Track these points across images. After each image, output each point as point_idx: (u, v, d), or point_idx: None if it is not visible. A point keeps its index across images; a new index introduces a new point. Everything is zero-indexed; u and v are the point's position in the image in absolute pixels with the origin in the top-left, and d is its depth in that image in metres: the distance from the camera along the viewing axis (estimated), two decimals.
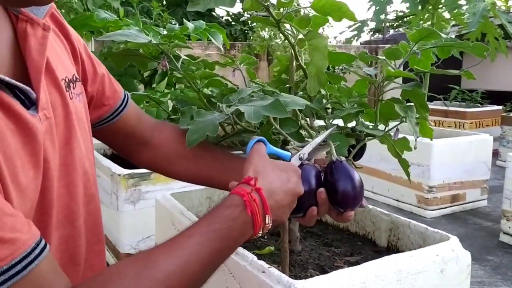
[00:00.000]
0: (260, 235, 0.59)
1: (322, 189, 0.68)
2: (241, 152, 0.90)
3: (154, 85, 1.87)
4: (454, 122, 4.96)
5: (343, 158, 0.71)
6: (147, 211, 1.65)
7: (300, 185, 0.65)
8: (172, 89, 1.80)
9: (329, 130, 0.76)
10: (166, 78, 1.74)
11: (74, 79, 0.63)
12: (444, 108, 5.10)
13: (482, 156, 3.15)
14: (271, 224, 0.59)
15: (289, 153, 0.71)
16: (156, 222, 1.24)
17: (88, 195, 0.64)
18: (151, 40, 0.88)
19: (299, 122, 0.84)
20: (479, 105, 5.32)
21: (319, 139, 0.74)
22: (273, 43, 4.88)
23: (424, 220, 2.91)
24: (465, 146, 3.07)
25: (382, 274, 0.80)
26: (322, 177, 0.71)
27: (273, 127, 0.81)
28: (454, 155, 3.02)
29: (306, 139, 0.84)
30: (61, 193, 0.58)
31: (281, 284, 0.75)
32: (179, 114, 0.92)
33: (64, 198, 0.58)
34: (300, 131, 0.85)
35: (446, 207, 3.04)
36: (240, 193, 0.58)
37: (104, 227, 2.01)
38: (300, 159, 0.71)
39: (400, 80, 0.90)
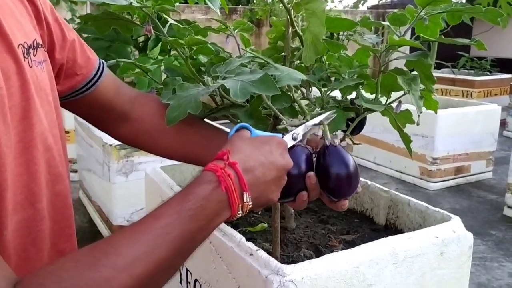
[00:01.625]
0: (240, 215, 0.54)
1: (311, 173, 0.62)
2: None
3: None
4: (462, 91, 4.85)
5: (337, 142, 0.65)
6: (140, 183, 1.60)
7: (287, 158, 0.59)
8: (167, 56, 1.72)
9: (326, 114, 0.69)
10: (160, 44, 1.67)
11: (35, 45, 0.57)
12: (452, 76, 4.98)
13: (489, 127, 3.07)
14: (251, 203, 0.53)
15: (279, 134, 0.65)
16: (146, 196, 1.20)
17: (53, 174, 0.58)
18: (131, 2, 0.80)
19: (292, 96, 0.77)
20: (488, 73, 5.18)
21: (315, 120, 0.67)
22: (276, 7, 4.72)
23: (426, 192, 2.87)
24: (472, 117, 2.99)
25: (377, 257, 0.76)
26: (315, 160, 0.65)
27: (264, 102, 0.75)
28: (460, 125, 2.94)
29: (300, 115, 0.78)
30: (19, 173, 0.52)
31: (268, 269, 0.71)
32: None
33: (23, 178, 0.53)
34: (294, 105, 0.79)
35: (449, 179, 2.99)
36: (213, 168, 0.52)
37: (97, 198, 1.98)
38: (294, 139, 0.65)
39: (407, 49, 0.83)
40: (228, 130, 0.76)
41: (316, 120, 0.67)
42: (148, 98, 0.78)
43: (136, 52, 1.97)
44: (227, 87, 0.64)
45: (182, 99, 0.68)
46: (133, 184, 1.64)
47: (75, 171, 2.75)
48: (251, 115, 0.77)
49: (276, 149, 0.58)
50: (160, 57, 1.62)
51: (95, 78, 0.70)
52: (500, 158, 3.49)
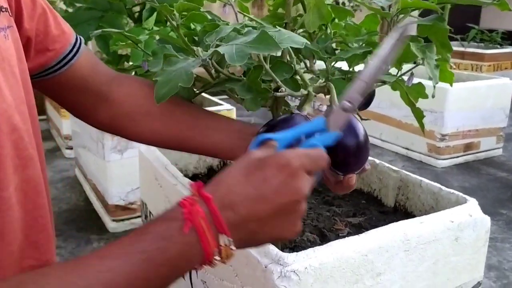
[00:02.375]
0: (219, 261, 0.42)
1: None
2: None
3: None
4: (471, 64, 4.72)
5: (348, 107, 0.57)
6: (135, 161, 1.54)
7: (294, 185, 0.43)
8: (163, 27, 1.63)
9: (401, 28, 0.47)
10: (155, 14, 1.58)
11: None
12: (461, 49, 4.84)
13: (500, 102, 2.97)
14: (233, 247, 0.42)
15: (321, 117, 0.49)
16: (140, 176, 1.14)
17: (23, 157, 0.51)
18: None
19: (293, 66, 0.69)
20: (498, 46, 5.03)
21: (381, 53, 0.47)
22: None
23: (434, 170, 2.79)
24: (483, 91, 2.89)
25: (387, 244, 0.70)
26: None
27: (263, 73, 0.67)
28: (471, 101, 2.84)
29: (302, 88, 0.69)
30: None
31: (268, 258, 0.65)
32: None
33: None
34: (296, 77, 0.71)
35: (458, 156, 2.91)
36: (183, 203, 0.42)
37: (93, 176, 1.92)
38: (349, 104, 0.48)
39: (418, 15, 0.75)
40: (225, 107, 0.68)
41: (384, 50, 0.46)
42: (128, 79, 0.71)
43: (133, 24, 1.88)
44: (221, 52, 0.57)
45: (172, 73, 0.61)
46: (128, 162, 1.58)
47: (71, 148, 2.71)
48: (249, 89, 0.69)
49: (273, 175, 0.42)
50: (155, 28, 1.53)
51: (70, 55, 0.62)
52: (511, 134, 3.40)
